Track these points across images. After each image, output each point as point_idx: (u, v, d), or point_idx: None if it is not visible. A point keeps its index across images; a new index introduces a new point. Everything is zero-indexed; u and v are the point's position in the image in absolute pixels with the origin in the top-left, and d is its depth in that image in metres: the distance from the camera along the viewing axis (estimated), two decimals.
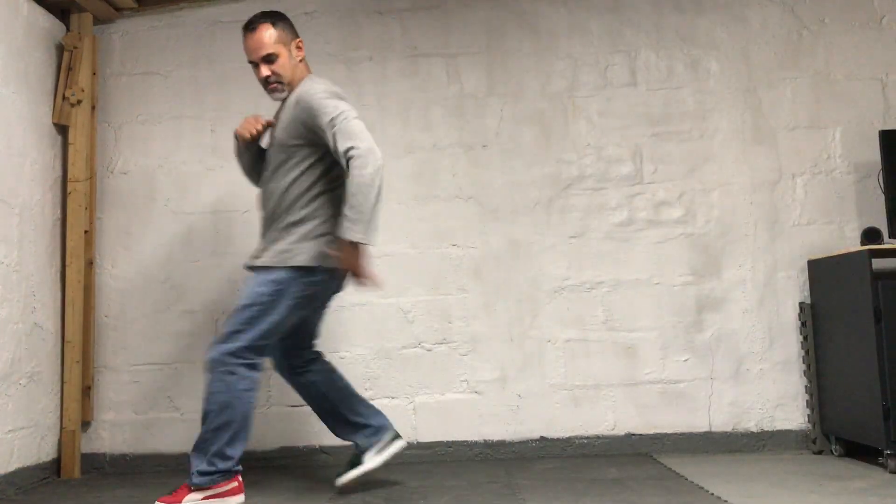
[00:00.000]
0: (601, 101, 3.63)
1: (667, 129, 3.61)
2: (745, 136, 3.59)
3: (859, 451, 3.25)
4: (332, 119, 2.56)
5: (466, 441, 3.47)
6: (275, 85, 2.73)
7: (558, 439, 3.46)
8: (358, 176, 2.50)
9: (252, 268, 2.69)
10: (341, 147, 2.53)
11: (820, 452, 3.34)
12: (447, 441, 3.48)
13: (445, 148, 3.63)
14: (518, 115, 3.63)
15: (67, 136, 3.52)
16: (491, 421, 3.49)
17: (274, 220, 2.70)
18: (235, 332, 2.60)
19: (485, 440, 3.48)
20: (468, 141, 3.63)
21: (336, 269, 2.64)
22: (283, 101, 2.78)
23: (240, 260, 3.58)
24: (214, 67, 3.70)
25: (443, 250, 3.57)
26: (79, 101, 3.49)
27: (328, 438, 3.46)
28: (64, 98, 3.49)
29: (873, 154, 3.52)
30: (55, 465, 3.37)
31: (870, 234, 3.15)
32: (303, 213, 2.66)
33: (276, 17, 2.74)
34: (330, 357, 3.53)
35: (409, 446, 3.48)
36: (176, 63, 3.71)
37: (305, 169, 2.67)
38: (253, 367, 2.63)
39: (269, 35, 2.70)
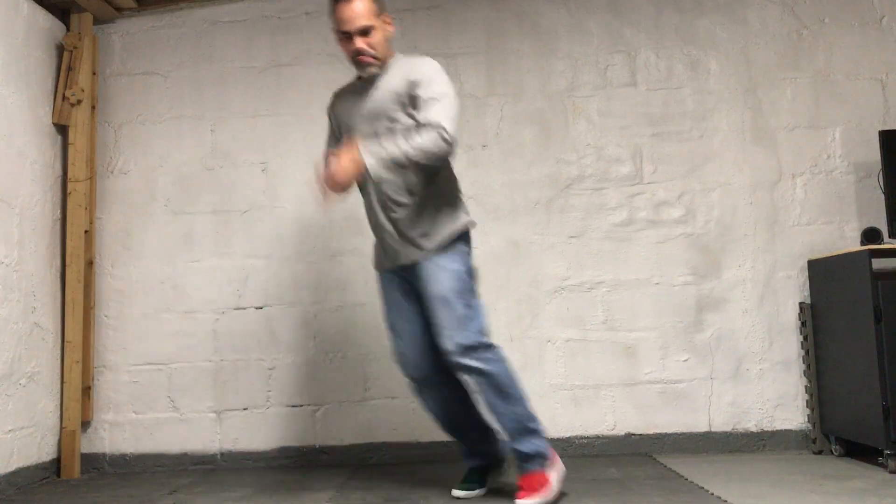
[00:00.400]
0: (601, 101, 3.63)
1: (667, 129, 3.61)
2: (745, 136, 3.59)
3: (859, 451, 3.24)
4: (441, 91, 2.49)
5: None
6: (368, 59, 2.56)
7: (558, 439, 3.46)
8: (431, 145, 2.42)
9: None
10: (435, 119, 2.44)
11: (820, 452, 3.34)
12: (447, 441, 3.48)
13: None
14: (518, 115, 3.63)
15: (67, 136, 3.52)
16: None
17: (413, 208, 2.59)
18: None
19: None
20: (468, 141, 3.62)
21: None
22: (369, 81, 2.62)
23: (239, 260, 3.58)
24: (214, 67, 3.70)
25: None
26: (79, 101, 3.49)
27: (328, 438, 3.46)
28: (64, 98, 3.49)
29: (873, 154, 3.52)
30: (55, 465, 3.37)
31: (870, 234, 3.15)
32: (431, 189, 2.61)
33: None
34: (330, 357, 3.54)
35: (409, 446, 3.48)
36: (176, 63, 3.71)
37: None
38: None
39: (364, 5, 2.53)
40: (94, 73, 3.61)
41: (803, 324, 3.44)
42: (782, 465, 3.10)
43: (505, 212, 3.59)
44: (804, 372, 3.45)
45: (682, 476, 2.92)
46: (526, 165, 3.61)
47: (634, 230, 3.56)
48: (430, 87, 2.50)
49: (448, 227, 2.59)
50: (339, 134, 2.75)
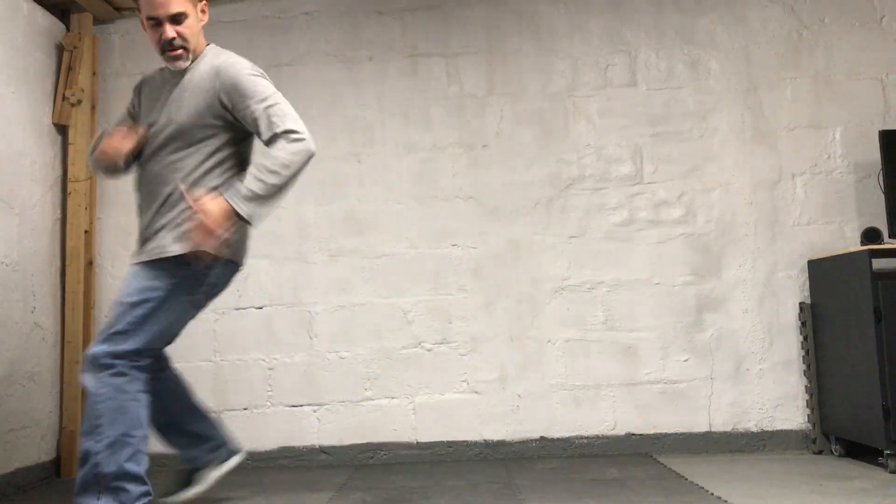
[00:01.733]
0: (601, 101, 3.63)
1: (667, 129, 3.61)
2: (745, 136, 3.59)
3: (859, 451, 3.24)
4: (265, 99, 2.29)
5: (466, 441, 3.47)
6: (179, 51, 2.32)
7: (558, 439, 3.46)
8: (289, 154, 2.22)
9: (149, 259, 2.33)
10: (279, 127, 2.25)
11: (820, 452, 3.34)
12: (447, 441, 3.48)
13: (445, 148, 3.63)
14: (518, 115, 3.63)
15: (67, 136, 3.52)
16: (491, 421, 3.49)
17: (171, 206, 2.32)
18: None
19: (485, 440, 3.48)
20: (468, 141, 3.62)
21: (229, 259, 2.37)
22: (178, 72, 2.39)
23: None
24: None
25: (443, 250, 3.57)
26: (79, 101, 3.49)
27: (328, 438, 3.46)
28: (64, 98, 3.49)
29: (873, 154, 3.52)
30: (55, 465, 3.37)
31: (870, 234, 3.15)
32: None
33: None
34: (330, 357, 3.54)
35: (409, 446, 3.48)
36: None
37: (217, 149, 2.35)
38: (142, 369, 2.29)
39: None
40: (94, 73, 3.61)
41: (803, 324, 3.44)
42: (782, 465, 3.10)
43: (505, 212, 3.59)
44: (804, 372, 3.44)
45: (682, 476, 2.92)
46: (526, 165, 3.61)
47: (634, 230, 3.56)
48: (249, 100, 2.29)
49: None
50: (136, 118, 2.52)
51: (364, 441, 3.47)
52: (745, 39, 3.64)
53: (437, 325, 3.54)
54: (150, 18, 2.31)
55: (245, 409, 3.51)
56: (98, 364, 2.19)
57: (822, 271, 3.35)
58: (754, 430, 3.45)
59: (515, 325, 3.53)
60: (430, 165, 3.62)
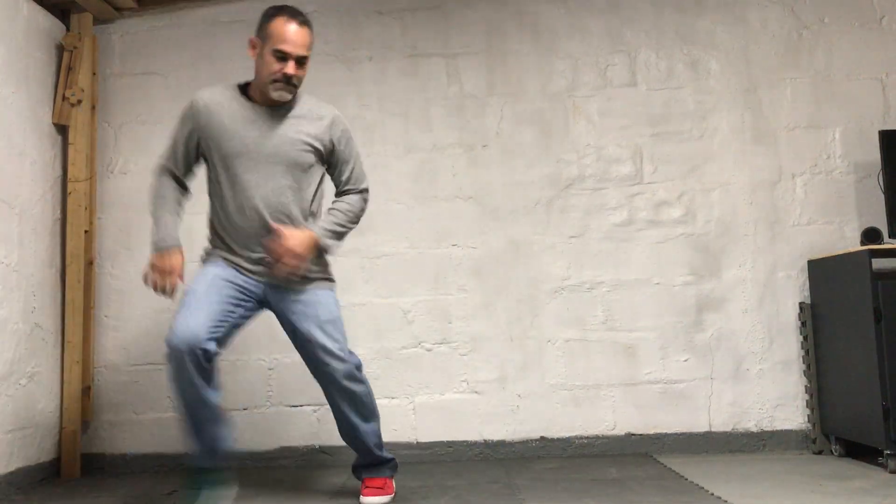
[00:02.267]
0: (601, 101, 3.63)
1: (667, 129, 3.61)
2: (745, 136, 3.59)
3: (859, 451, 3.25)
4: (357, 157, 2.71)
5: (466, 441, 3.47)
6: (293, 88, 2.54)
7: (558, 439, 3.46)
8: (360, 208, 2.70)
9: (299, 279, 2.59)
10: (362, 184, 2.70)
11: (820, 452, 3.34)
12: (447, 441, 3.48)
13: (445, 148, 3.63)
14: (518, 115, 3.63)
15: (67, 136, 3.52)
16: (491, 421, 3.49)
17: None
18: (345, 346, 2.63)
19: (485, 440, 3.48)
20: (468, 141, 3.63)
21: None
22: (266, 106, 2.58)
23: None
24: (214, 67, 3.70)
25: (443, 250, 3.57)
26: (79, 101, 3.49)
27: (328, 438, 3.46)
28: (64, 98, 3.49)
29: (873, 154, 3.52)
30: (55, 465, 3.36)
31: (870, 234, 3.15)
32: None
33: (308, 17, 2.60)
34: None
35: (409, 446, 3.48)
36: (176, 63, 3.71)
37: (317, 180, 2.65)
38: None
39: (310, 36, 2.54)
40: (94, 73, 3.61)
41: (803, 324, 3.44)
42: (782, 465, 3.10)
43: (505, 212, 3.59)
44: (804, 372, 3.45)
45: (682, 476, 2.92)
46: (526, 165, 3.61)
47: (634, 230, 3.56)
48: (350, 146, 2.67)
49: (327, 266, 2.70)
50: (198, 150, 2.65)
51: None
52: (744, 39, 3.64)
53: (437, 325, 3.54)
54: (277, 52, 2.48)
55: (245, 409, 3.51)
56: (356, 374, 2.61)
57: (822, 271, 3.35)
58: (754, 430, 3.45)
59: (515, 325, 3.53)
60: (430, 165, 3.62)
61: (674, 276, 3.53)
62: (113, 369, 3.55)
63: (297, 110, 2.60)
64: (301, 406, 3.50)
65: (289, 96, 2.55)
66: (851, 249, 3.11)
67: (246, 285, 2.57)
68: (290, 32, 2.47)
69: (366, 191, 2.72)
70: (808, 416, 3.42)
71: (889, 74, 3.60)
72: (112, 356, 3.56)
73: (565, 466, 3.21)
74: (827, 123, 3.58)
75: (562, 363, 3.51)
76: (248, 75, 3.68)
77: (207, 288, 2.51)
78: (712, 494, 2.59)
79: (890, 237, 3.21)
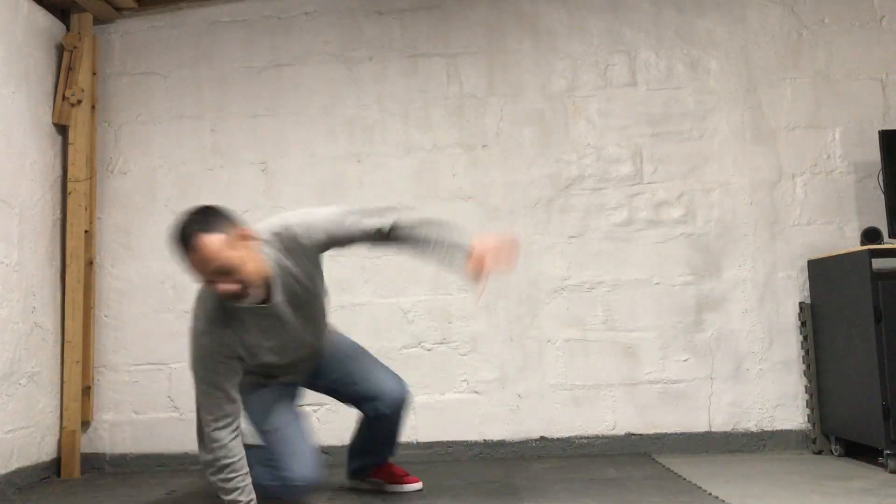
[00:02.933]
0: (601, 101, 3.63)
1: (667, 129, 3.61)
2: (745, 136, 3.59)
3: (859, 451, 3.24)
4: (345, 215, 2.36)
5: (466, 441, 3.47)
6: (244, 292, 2.17)
7: (558, 439, 3.46)
8: (418, 215, 2.42)
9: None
10: (377, 224, 2.35)
11: (820, 452, 3.34)
12: (447, 441, 3.48)
13: (445, 148, 3.63)
14: (518, 115, 3.63)
15: (67, 136, 3.52)
16: (491, 421, 3.49)
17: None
18: None
19: (485, 440, 3.48)
20: (468, 141, 3.63)
21: None
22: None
23: None
24: (214, 67, 3.70)
25: None
26: (79, 101, 3.49)
27: (328, 438, 3.46)
28: (64, 98, 3.49)
29: (873, 154, 3.51)
30: (55, 465, 3.37)
31: (870, 234, 3.15)
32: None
33: (205, 221, 2.12)
34: None
35: (409, 446, 3.48)
36: (176, 63, 3.71)
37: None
38: None
39: (212, 243, 2.09)
40: (94, 73, 3.61)
41: (803, 324, 3.44)
42: (782, 465, 3.09)
43: (505, 212, 3.59)
44: (804, 372, 3.44)
45: (682, 476, 2.92)
46: (526, 165, 3.61)
47: (634, 230, 3.56)
48: (342, 225, 2.33)
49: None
50: (240, 365, 2.37)
51: None
52: (744, 39, 3.64)
53: (437, 325, 3.53)
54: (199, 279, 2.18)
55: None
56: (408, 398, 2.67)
57: (822, 271, 3.35)
58: (754, 430, 3.45)
59: (515, 325, 3.53)
60: (429, 165, 3.62)
61: (674, 276, 3.53)
62: (113, 369, 3.55)
63: (278, 280, 2.31)
64: (301, 406, 3.50)
65: (257, 293, 2.23)
66: (851, 249, 3.10)
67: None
68: (189, 261, 2.12)
69: (393, 208, 2.44)
70: (808, 416, 3.41)
71: (889, 74, 3.60)
72: (112, 356, 3.56)
73: (565, 466, 3.21)
74: (827, 123, 3.58)
75: (562, 363, 3.51)
76: (248, 75, 3.70)
77: (286, 419, 2.56)
78: (712, 494, 2.59)
79: (890, 237, 3.21)
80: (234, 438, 2.28)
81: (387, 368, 2.68)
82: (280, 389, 2.60)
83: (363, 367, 2.65)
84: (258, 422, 2.52)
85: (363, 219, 2.35)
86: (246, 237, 2.18)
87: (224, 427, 2.27)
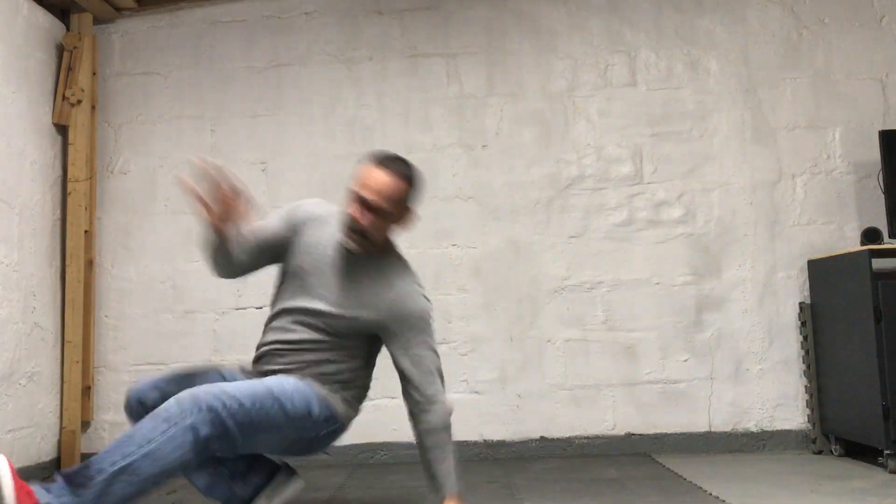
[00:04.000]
0: (601, 101, 3.63)
1: (667, 129, 3.61)
2: (745, 136, 3.59)
3: (859, 451, 3.24)
4: (435, 352, 2.23)
5: (466, 441, 3.47)
6: (358, 238, 2.16)
7: (558, 439, 3.46)
8: (448, 433, 2.20)
9: None
10: (438, 394, 2.18)
11: (820, 452, 3.34)
12: None
13: (445, 148, 3.63)
14: (518, 115, 3.63)
15: (67, 136, 3.52)
16: (491, 421, 3.48)
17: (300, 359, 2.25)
18: None
19: (484, 440, 3.48)
20: (468, 141, 3.63)
21: None
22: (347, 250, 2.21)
23: None
24: (214, 67, 3.70)
25: (443, 250, 3.57)
26: (79, 101, 3.49)
27: None
28: (64, 98, 3.49)
29: (873, 154, 3.51)
30: (55, 465, 3.37)
31: (870, 234, 3.15)
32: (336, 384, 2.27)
33: (413, 181, 2.19)
34: None
35: (409, 446, 3.47)
36: (176, 63, 3.71)
37: (352, 362, 2.26)
38: None
39: (397, 188, 2.13)
40: (94, 73, 3.61)
41: (803, 324, 3.44)
42: (782, 465, 3.09)
43: (505, 212, 3.59)
44: (804, 372, 3.44)
45: (681, 476, 2.92)
46: (526, 165, 3.61)
47: (634, 230, 3.56)
48: (425, 345, 2.20)
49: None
50: (281, 242, 2.30)
51: (364, 441, 3.47)
52: (744, 39, 3.64)
53: (436, 325, 3.51)
54: (351, 192, 2.18)
55: None
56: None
57: (822, 271, 3.35)
58: (754, 430, 3.45)
59: (515, 325, 3.53)
60: (430, 165, 3.61)
61: (674, 276, 3.53)
62: (113, 369, 3.55)
63: (369, 272, 2.23)
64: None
65: (355, 248, 2.17)
66: (851, 249, 3.10)
67: None
68: (368, 174, 2.14)
69: (441, 402, 2.20)
70: (808, 416, 3.41)
71: (889, 74, 3.60)
72: (112, 356, 3.56)
73: (565, 466, 3.21)
74: (827, 123, 3.58)
75: (562, 363, 3.51)
76: (248, 75, 3.70)
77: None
78: (712, 494, 2.59)
79: (890, 237, 3.21)
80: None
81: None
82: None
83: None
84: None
85: (432, 384, 2.19)
86: (409, 220, 2.22)
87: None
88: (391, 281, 2.22)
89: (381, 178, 2.13)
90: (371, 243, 2.18)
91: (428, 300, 2.27)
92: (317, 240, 2.26)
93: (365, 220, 2.13)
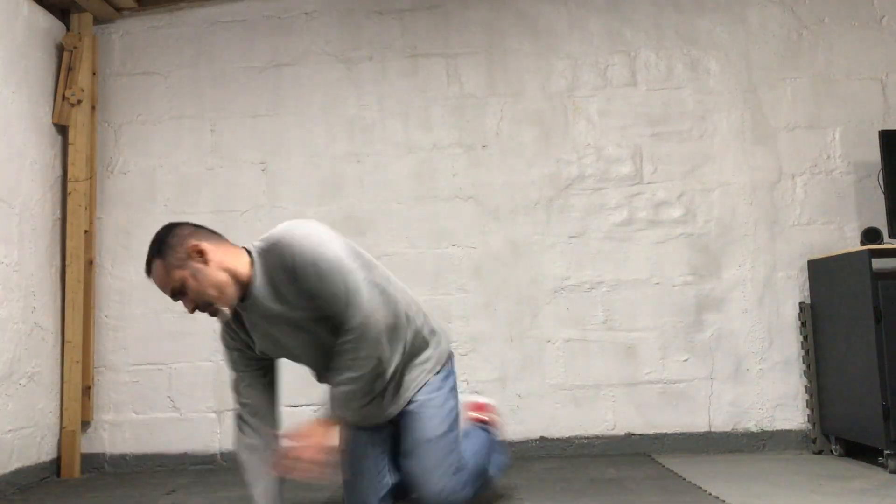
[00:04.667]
0: (601, 101, 3.63)
1: (667, 129, 3.61)
2: (745, 136, 3.59)
3: (859, 451, 3.24)
4: (331, 264, 2.08)
5: None
6: (211, 309, 2.06)
7: (558, 439, 3.46)
8: (351, 372, 2.23)
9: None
10: (350, 318, 2.08)
11: (820, 452, 3.34)
12: None
13: (445, 148, 3.63)
14: (518, 115, 3.63)
15: (67, 136, 3.52)
16: None
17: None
18: None
19: None
20: (468, 141, 3.63)
21: None
22: (249, 299, 2.11)
23: None
24: (214, 67, 3.70)
25: (443, 250, 3.57)
26: (79, 101, 3.49)
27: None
28: (64, 98, 3.49)
29: (873, 154, 3.51)
30: (55, 465, 3.37)
31: (870, 234, 3.15)
32: None
33: (158, 245, 2.03)
34: None
35: None
36: (176, 63, 3.71)
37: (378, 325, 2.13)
38: None
39: (163, 265, 2.01)
40: (94, 73, 3.61)
41: (803, 324, 3.44)
42: (782, 465, 3.09)
43: (505, 212, 3.59)
44: (804, 372, 3.44)
45: (681, 476, 2.92)
46: (526, 165, 3.61)
47: (634, 230, 3.56)
48: (316, 269, 2.03)
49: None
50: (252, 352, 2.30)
51: None
52: (744, 39, 3.64)
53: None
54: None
55: None
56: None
57: (822, 271, 3.35)
58: (754, 430, 3.45)
59: (515, 324, 3.53)
60: (429, 165, 3.62)
61: (674, 276, 3.53)
62: (113, 369, 3.55)
63: (260, 289, 2.12)
64: (301, 406, 3.50)
65: (226, 310, 2.08)
66: (851, 249, 3.10)
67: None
68: (153, 280, 2.06)
69: (355, 328, 2.07)
70: (808, 416, 3.41)
71: (889, 74, 3.60)
72: (112, 356, 3.56)
73: (565, 466, 3.21)
74: (827, 123, 3.58)
75: (562, 363, 3.51)
76: (248, 75, 3.70)
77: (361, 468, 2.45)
78: (712, 494, 2.59)
79: (890, 237, 3.21)
80: (250, 420, 2.32)
81: (450, 467, 2.28)
82: (369, 434, 2.44)
83: (425, 453, 2.29)
84: (343, 465, 2.42)
85: (344, 309, 2.06)
86: (204, 254, 2.02)
87: (243, 405, 2.32)
88: (275, 271, 2.08)
89: (156, 276, 2.04)
90: (225, 299, 2.05)
91: (315, 229, 2.10)
92: (249, 328, 2.22)
93: (190, 305, 2.06)
